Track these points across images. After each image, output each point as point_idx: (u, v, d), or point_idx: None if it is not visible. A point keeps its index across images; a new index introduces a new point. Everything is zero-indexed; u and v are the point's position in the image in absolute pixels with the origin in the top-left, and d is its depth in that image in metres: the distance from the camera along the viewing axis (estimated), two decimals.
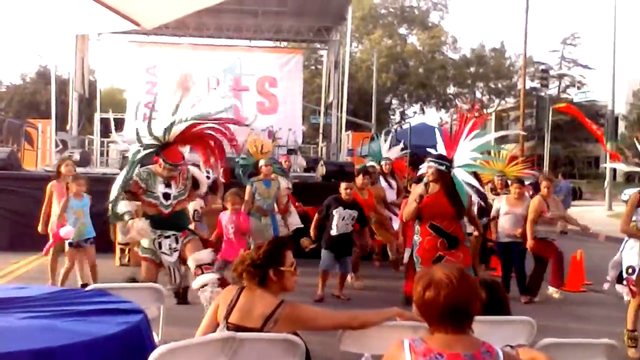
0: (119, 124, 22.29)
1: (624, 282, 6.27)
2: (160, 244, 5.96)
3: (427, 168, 6.56)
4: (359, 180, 8.92)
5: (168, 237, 5.98)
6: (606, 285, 6.82)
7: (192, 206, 6.98)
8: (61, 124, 20.20)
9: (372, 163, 10.59)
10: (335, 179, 12.48)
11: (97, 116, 21.24)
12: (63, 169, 8.36)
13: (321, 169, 11.97)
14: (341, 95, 18.82)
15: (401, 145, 11.75)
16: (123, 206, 5.85)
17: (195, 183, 6.54)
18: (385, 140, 11.41)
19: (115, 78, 57.84)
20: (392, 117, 56.52)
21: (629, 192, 31.88)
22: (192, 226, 7.01)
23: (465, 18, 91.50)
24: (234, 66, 20.56)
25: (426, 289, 2.43)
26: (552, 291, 8.61)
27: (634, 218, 6.30)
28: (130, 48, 20.85)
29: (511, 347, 3.11)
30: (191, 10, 3.97)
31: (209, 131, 6.19)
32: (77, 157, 15.84)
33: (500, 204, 8.70)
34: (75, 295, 3.64)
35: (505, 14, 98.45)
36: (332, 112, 20.69)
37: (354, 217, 8.10)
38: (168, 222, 5.97)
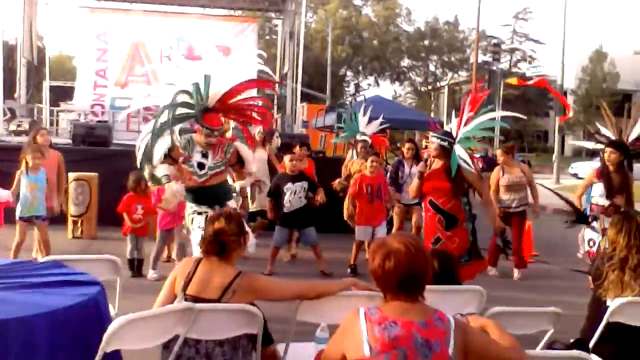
0: (69, 92, 21.84)
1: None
2: (192, 220, 5.79)
3: (430, 143, 6.40)
4: (297, 150, 9.17)
5: (200, 213, 5.76)
6: (580, 255, 7.03)
7: (240, 184, 6.67)
8: (8, 92, 19.62)
9: (365, 137, 10.51)
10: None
11: (46, 84, 20.72)
12: (39, 139, 8.10)
13: (277, 140, 11.90)
14: (296, 66, 18.74)
15: (380, 119, 11.50)
16: (162, 170, 5.66)
17: (241, 160, 6.21)
18: (365, 114, 11.19)
19: (65, 45, 56.16)
20: (346, 89, 56.58)
21: (576, 166, 32.84)
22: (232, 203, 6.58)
23: None
24: (187, 34, 20.24)
25: (386, 259, 2.49)
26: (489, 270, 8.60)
27: (592, 194, 6.52)
28: (81, 13, 20.29)
29: (461, 315, 3.21)
30: None
31: (249, 103, 6.06)
32: (26, 126, 15.48)
33: None
34: (31, 267, 3.60)
35: None
36: (287, 83, 20.60)
37: (305, 188, 8.14)
38: (205, 194, 5.70)
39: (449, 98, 55.31)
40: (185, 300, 3.16)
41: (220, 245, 3.34)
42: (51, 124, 20.28)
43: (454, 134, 6.26)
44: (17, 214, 7.34)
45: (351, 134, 10.89)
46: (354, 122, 11.03)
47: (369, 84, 57.62)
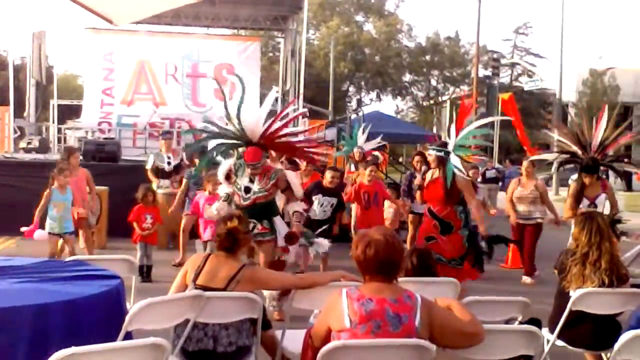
0: (76, 111, 22.35)
1: None
2: None
3: (428, 156, 6.99)
4: (303, 165, 9.56)
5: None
6: None
7: (293, 207, 7.06)
8: (17, 111, 20.17)
9: (361, 148, 11.14)
10: (289, 164, 12.97)
11: (54, 102, 21.25)
12: (72, 160, 8.82)
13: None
14: (298, 83, 19.25)
15: (379, 139, 12.08)
16: (224, 188, 6.52)
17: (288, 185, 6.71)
18: (364, 132, 11.81)
19: (70, 64, 56.93)
20: (349, 104, 57.10)
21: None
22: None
23: (420, 6, 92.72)
24: (192, 53, 20.75)
25: (367, 247, 2.97)
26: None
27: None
28: (87, 34, 20.80)
29: None
30: (164, 9, 4.37)
31: (299, 145, 6.66)
32: (36, 143, 16.00)
33: None
34: (58, 264, 4.09)
35: (460, 2, 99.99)
36: (289, 99, 21.10)
37: (333, 205, 8.47)
38: (252, 211, 6.22)
39: (451, 112, 55.80)
40: (196, 289, 3.64)
41: (233, 242, 3.82)
42: (59, 141, 20.72)
43: (450, 144, 6.77)
44: (47, 229, 7.83)
45: (350, 148, 11.45)
46: (354, 138, 11.65)
47: (371, 99, 58.17)
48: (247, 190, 6.29)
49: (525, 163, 9.44)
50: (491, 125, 35.77)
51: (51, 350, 2.43)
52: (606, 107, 7.69)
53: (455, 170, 6.57)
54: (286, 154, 7.01)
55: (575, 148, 7.61)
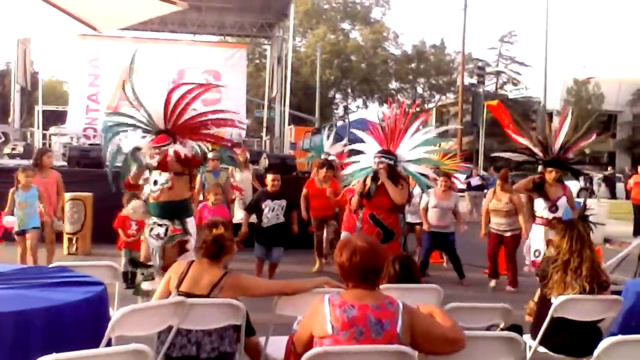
0: (61, 116, 22.25)
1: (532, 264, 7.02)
2: (152, 229, 6.30)
3: (378, 163, 6.72)
4: (322, 171, 9.54)
5: (161, 225, 6.26)
6: (526, 268, 7.57)
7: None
8: (1, 117, 20.08)
9: (331, 157, 11.13)
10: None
11: (39, 108, 21.13)
12: (46, 160, 8.76)
13: (264, 162, 12.41)
14: (284, 90, 19.29)
15: (345, 141, 12.11)
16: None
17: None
18: (328, 137, 11.83)
19: (56, 70, 56.61)
20: (335, 111, 57.27)
21: None
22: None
23: (406, 14, 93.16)
24: (178, 59, 20.72)
25: (352, 255, 2.99)
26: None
27: (536, 207, 7.11)
28: (72, 40, 20.73)
29: None
30: (149, 17, 4.38)
31: (203, 122, 6.45)
32: (20, 149, 15.94)
33: (429, 197, 9.32)
34: (41, 271, 4.06)
35: (446, 11, 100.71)
36: (275, 106, 21.15)
37: (283, 207, 8.38)
38: (164, 209, 6.13)
39: (437, 120, 56.00)
40: (179, 295, 3.64)
41: (218, 249, 3.82)
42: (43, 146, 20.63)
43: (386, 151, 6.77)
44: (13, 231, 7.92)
45: (317, 154, 11.48)
46: (321, 144, 11.69)
47: (358, 106, 58.38)
48: (155, 183, 6.26)
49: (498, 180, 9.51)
50: (476, 133, 36.04)
51: (32, 357, 2.42)
52: (569, 110, 7.70)
53: (419, 177, 6.69)
54: (194, 138, 6.81)
55: (536, 150, 7.63)
